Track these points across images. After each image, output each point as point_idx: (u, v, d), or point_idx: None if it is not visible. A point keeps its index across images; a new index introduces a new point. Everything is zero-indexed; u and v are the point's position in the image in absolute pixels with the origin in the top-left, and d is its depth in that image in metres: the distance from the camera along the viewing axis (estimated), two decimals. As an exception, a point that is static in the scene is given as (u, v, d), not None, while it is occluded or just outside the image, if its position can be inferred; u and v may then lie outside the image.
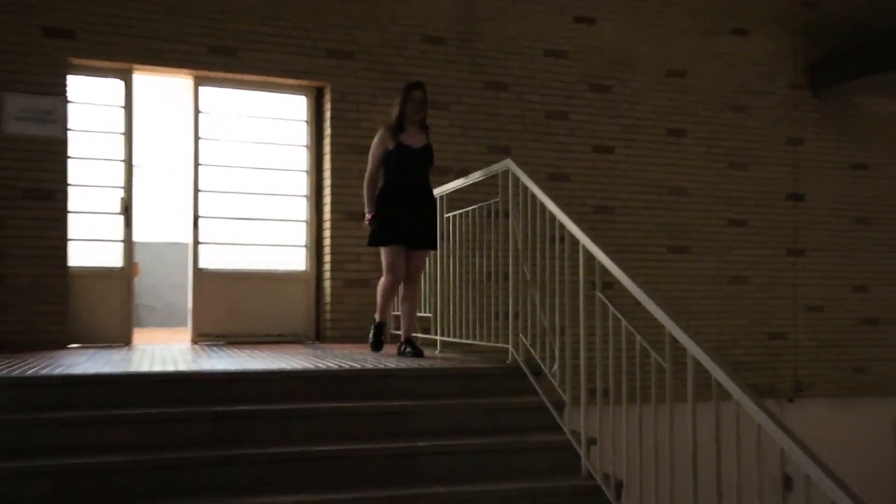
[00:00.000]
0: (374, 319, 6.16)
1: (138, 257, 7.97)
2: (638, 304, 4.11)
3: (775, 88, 9.41)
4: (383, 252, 5.83)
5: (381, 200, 5.81)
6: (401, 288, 6.04)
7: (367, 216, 5.88)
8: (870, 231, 9.72)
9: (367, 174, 5.93)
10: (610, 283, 4.44)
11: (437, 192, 6.31)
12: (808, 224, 9.46)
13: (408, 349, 5.80)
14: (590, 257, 4.51)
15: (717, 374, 3.52)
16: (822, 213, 9.52)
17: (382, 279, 5.91)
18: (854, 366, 9.55)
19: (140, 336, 7.85)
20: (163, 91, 9.01)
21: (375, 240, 5.86)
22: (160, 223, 10.70)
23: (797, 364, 9.29)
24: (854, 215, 9.66)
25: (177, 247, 10.43)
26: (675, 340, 3.83)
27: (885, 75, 8.96)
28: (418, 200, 5.80)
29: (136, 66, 7.31)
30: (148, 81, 7.83)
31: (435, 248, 6.03)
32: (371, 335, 6.11)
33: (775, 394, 8.97)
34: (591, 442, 4.57)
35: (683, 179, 8.96)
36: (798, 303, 9.35)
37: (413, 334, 6.02)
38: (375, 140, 5.87)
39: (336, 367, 5.15)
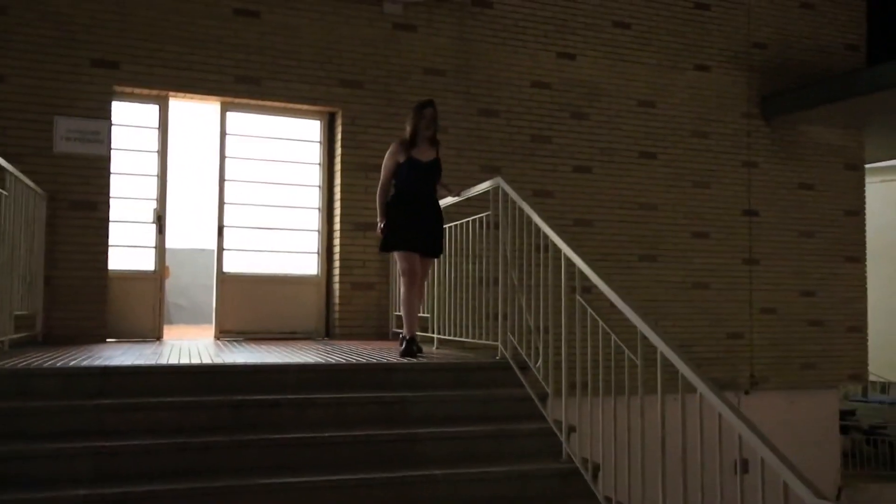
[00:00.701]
0: (402, 337, 5.53)
1: (169, 262, 7.91)
2: (613, 306, 4.08)
3: (732, 118, 9.41)
4: (398, 257, 5.61)
5: (390, 209, 5.60)
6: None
7: (380, 224, 5.67)
8: (815, 243, 9.71)
9: (379, 184, 5.71)
10: (588, 288, 4.40)
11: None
12: (762, 236, 9.44)
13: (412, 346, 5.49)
14: (570, 264, 4.48)
15: (683, 369, 3.49)
16: (773, 227, 9.51)
17: (402, 290, 5.58)
18: (802, 362, 9.52)
19: (170, 332, 7.81)
20: (194, 115, 8.97)
21: (386, 245, 5.64)
22: (190, 231, 10.64)
23: (752, 360, 9.26)
24: (801, 229, 9.64)
25: (204, 253, 10.40)
26: (645, 339, 3.79)
27: (826, 108, 8.99)
28: (425, 210, 5.59)
29: (171, 92, 7.29)
30: (181, 106, 7.78)
31: (439, 255, 5.79)
32: (401, 349, 5.43)
33: (734, 387, 8.94)
34: (571, 429, 4.52)
35: (653, 196, 8.93)
36: (753, 306, 9.32)
37: (414, 330, 5.65)
38: (388, 153, 5.68)
39: (344, 361, 5.10)
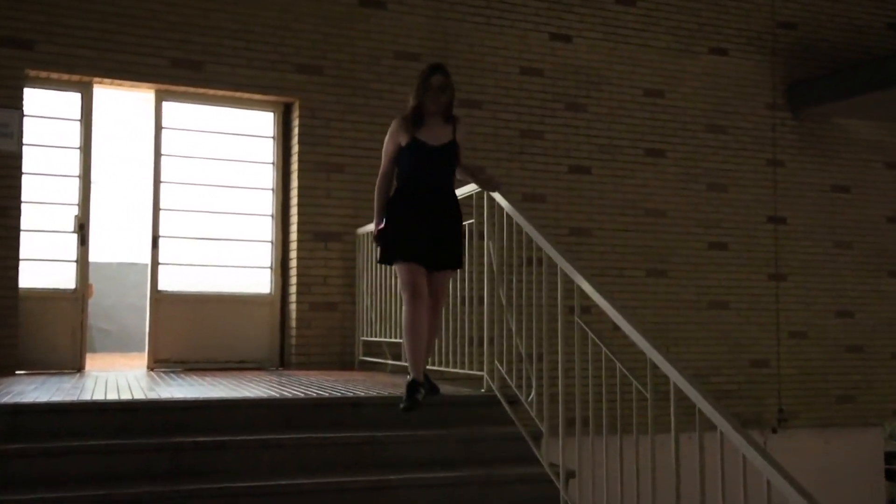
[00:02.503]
0: (408, 376, 4.98)
1: (93, 278, 7.85)
2: (615, 329, 4.09)
3: (754, 109, 9.52)
4: (398, 270, 5.02)
5: (391, 208, 5.02)
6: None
7: (376, 227, 5.13)
8: (852, 255, 9.82)
9: (379, 175, 5.13)
10: (587, 308, 4.42)
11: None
12: (789, 247, 9.54)
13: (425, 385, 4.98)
14: (568, 281, 4.49)
15: (701, 403, 3.51)
16: (803, 236, 9.62)
17: (404, 313, 4.96)
18: (839, 395, 9.61)
19: (93, 362, 7.74)
20: (123, 105, 8.93)
21: (385, 256, 5.05)
22: (117, 243, 10.58)
23: (780, 393, 9.32)
24: (835, 239, 9.75)
25: (134, 267, 10.35)
26: (656, 368, 3.81)
27: (864, 98, 9.09)
28: (436, 209, 4.97)
29: (95, 79, 7.27)
30: (108, 95, 7.76)
31: (459, 267, 5.19)
32: (404, 396, 4.81)
33: (759, 424, 9.00)
34: (570, 475, 4.51)
35: (662, 201, 9.00)
36: (781, 329, 9.40)
37: (422, 370, 5.01)
38: (388, 133, 5.10)
39: (302, 394, 5.08)
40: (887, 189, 10.06)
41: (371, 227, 7.04)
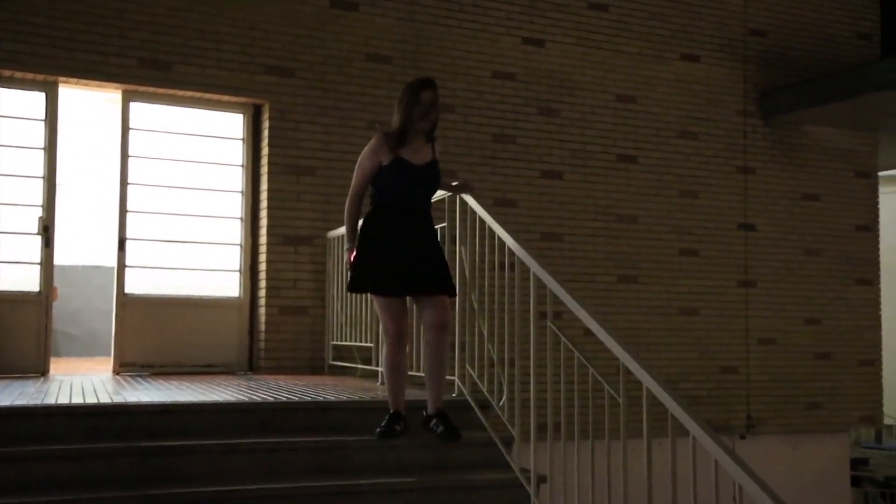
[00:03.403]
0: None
1: (57, 281, 7.78)
2: (587, 335, 4.13)
3: (726, 116, 9.62)
4: (379, 306, 4.72)
5: (366, 231, 4.72)
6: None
7: (347, 253, 4.88)
8: (821, 262, 9.94)
9: (349, 195, 4.84)
10: (558, 314, 4.45)
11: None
12: (759, 254, 9.65)
13: (439, 426, 4.71)
14: (541, 286, 4.52)
15: (674, 408, 3.55)
16: (773, 243, 9.72)
17: (384, 349, 4.81)
18: (807, 401, 9.73)
19: (57, 366, 7.67)
20: (90, 105, 8.86)
21: (356, 285, 4.80)
22: (82, 245, 10.48)
23: (749, 399, 9.42)
24: (805, 246, 9.87)
25: (100, 270, 10.25)
26: (628, 373, 3.85)
27: (835, 106, 9.22)
28: (416, 232, 4.71)
29: (60, 78, 7.19)
30: (73, 95, 7.70)
31: (453, 292, 4.87)
32: (382, 424, 4.68)
33: (728, 430, 9.08)
34: (541, 480, 4.54)
35: (633, 207, 9.08)
36: (750, 335, 9.50)
37: (401, 401, 4.80)
38: (366, 150, 4.76)
39: (272, 399, 5.07)
40: (857, 197, 10.20)
41: (342, 230, 7.08)
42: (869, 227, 10.25)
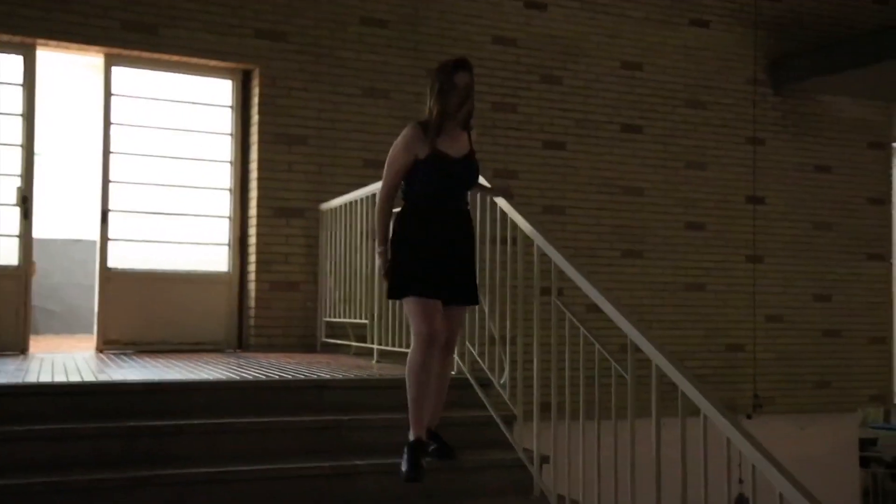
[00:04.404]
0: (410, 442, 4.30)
1: (37, 256, 7.73)
2: (590, 311, 4.11)
3: (735, 85, 9.57)
4: (411, 306, 4.33)
5: (403, 232, 4.41)
6: None
7: (379, 257, 4.52)
8: (832, 237, 9.94)
9: (381, 193, 4.50)
10: (560, 289, 4.44)
11: (372, 189, 6.18)
12: (768, 229, 9.63)
13: (431, 444, 4.42)
14: (545, 260, 4.49)
15: (686, 386, 3.53)
16: (782, 217, 9.71)
17: (410, 353, 4.33)
18: (815, 380, 9.76)
19: (37, 344, 7.64)
20: (70, 70, 8.78)
21: (395, 290, 4.42)
22: (64, 217, 10.42)
23: (756, 378, 9.44)
24: (815, 220, 9.87)
25: (82, 244, 10.20)
26: (637, 350, 3.83)
27: (849, 74, 9.17)
28: (456, 233, 4.45)
29: (39, 40, 7.12)
30: (53, 58, 7.62)
31: (476, 302, 4.69)
32: (404, 461, 4.20)
33: (734, 409, 9.10)
34: (544, 460, 4.55)
35: (639, 179, 9.05)
36: (757, 312, 9.50)
37: (425, 426, 4.37)
38: (398, 143, 4.42)
39: (264, 377, 5.06)
40: (870, 170, 10.19)
41: (336, 201, 7.05)
42: (882, 200, 10.24)
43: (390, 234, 4.47)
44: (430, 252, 4.35)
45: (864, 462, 11.72)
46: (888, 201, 10.29)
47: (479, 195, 5.00)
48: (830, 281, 9.91)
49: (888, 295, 10.22)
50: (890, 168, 10.35)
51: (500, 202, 4.89)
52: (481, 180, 4.82)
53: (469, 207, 4.66)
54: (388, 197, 4.48)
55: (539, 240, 4.55)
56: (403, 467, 4.17)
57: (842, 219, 10.00)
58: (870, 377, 10.07)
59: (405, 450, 4.23)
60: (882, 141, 10.28)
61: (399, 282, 4.37)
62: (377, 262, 4.57)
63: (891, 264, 10.25)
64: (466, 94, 4.38)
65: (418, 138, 4.36)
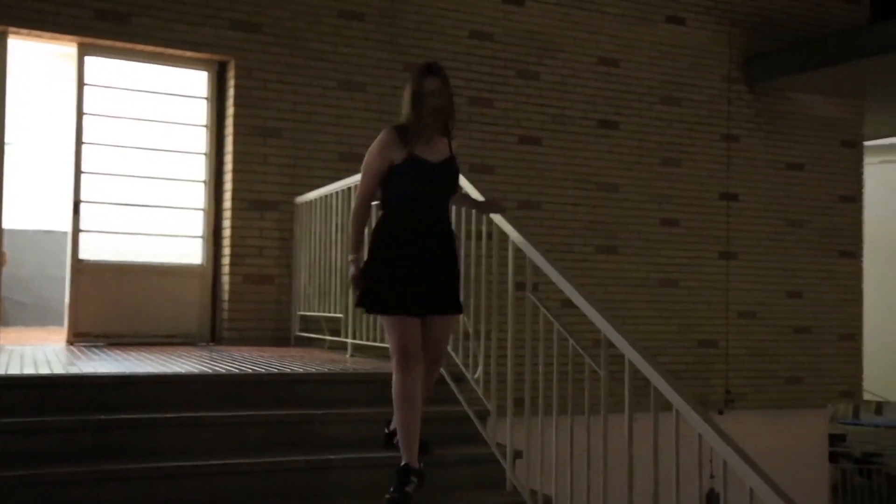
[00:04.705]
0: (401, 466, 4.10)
1: (7, 247, 7.66)
2: (564, 306, 4.12)
3: (710, 82, 9.63)
4: (386, 324, 4.23)
5: (379, 241, 4.24)
6: None
7: (351, 265, 4.33)
8: (804, 234, 10.03)
9: (356, 199, 4.37)
10: (535, 284, 4.45)
11: (347, 182, 6.19)
12: (741, 225, 9.71)
13: (420, 473, 4.10)
14: (520, 255, 4.50)
15: (658, 382, 3.56)
16: (755, 214, 9.79)
17: (393, 377, 4.16)
18: (786, 376, 9.84)
19: (7, 336, 7.57)
20: (42, 58, 8.71)
21: (368, 302, 4.25)
22: (35, 208, 10.32)
23: (728, 373, 9.52)
24: (788, 217, 9.95)
25: (53, 235, 10.11)
26: (610, 345, 3.85)
27: (822, 72, 9.26)
28: (435, 242, 4.24)
29: (11, 28, 7.05)
30: (24, 47, 7.55)
31: (460, 311, 4.48)
32: (393, 488, 4.02)
33: (706, 405, 9.16)
34: (517, 455, 4.57)
35: (614, 175, 9.08)
36: (730, 308, 9.58)
37: (416, 451, 4.14)
38: (373, 148, 4.25)
39: (236, 370, 5.03)
40: (842, 168, 10.28)
41: (311, 195, 7.03)
42: (853, 198, 10.35)
43: (366, 244, 4.33)
44: (407, 265, 4.17)
45: (833, 457, 11.87)
46: (859, 199, 10.40)
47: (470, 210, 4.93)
48: (802, 278, 10.00)
49: (858, 292, 10.33)
50: (861, 166, 10.45)
51: (496, 218, 4.68)
52: (474, 193, 4.74)
53: (448, 215, 4.47)
54: (363, 203, 4.33)
55: (514, 235, 4.56)
56: (390, 493, 4.02)
57: (814, 216, 10.09)
58: (840, 373, 10.18)
59: (397, 474, 4.05)
60: (853, 139, 10.38)
61: (373, 297, 4.21)
62: (350, 271, 4.36)
63: (861, 262, 10.36)
64: (439, 99, 4.17)
65: (394, 142, 4.19)
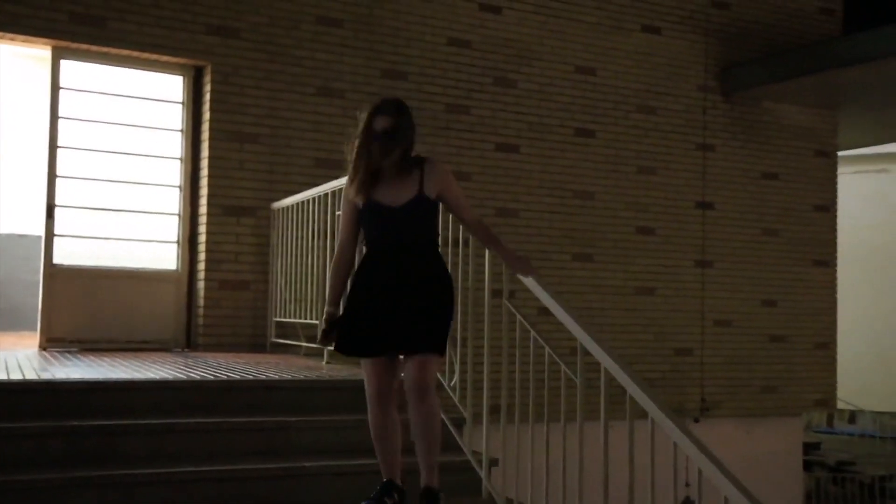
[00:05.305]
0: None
1: (-20, 250, 7.60)
2: (541, 314, 4.13)
3: (686, 91, 9.69)
4: (360, 364, 4.14)
5: (352, 284, 4.11)
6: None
7: (327, 306, 4.15)
8: (779, 243, 10.10)
9: (337, 246, 4.28)
10: (512, 292, 4.45)
11: (324, 188, 6.17)
12: (717, 234, 9.77)
13: (401, 491, 4.11)
14: (496, 262, 4.51)
15: (633, 390, 3.57)
16: (730, 222, 9.85)
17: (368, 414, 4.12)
18: (761, 385, 9.90)
19: (-20, 340, 7.50)
20: (16, 62, 8.64)
21: (339, 344, 4.08)
22: (8, 212, 10.25)
23: (703, 382, 9.57)
24: (763, 226, 10.02)
25: (26, 239, 10.04)
26: (586, 353, 3.86)
27: (796, 82, 9.35)
28: (402, 281, 3.96)
29: (-15, 32, 6.99)
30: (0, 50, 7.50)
31: (438, 350, 3.97)
32: (373, 496, 4.02)
33: (681, 413, 9.20)
34: (493, 463, 4.57)
35: (590, 183, 9.11)
36: (705, 317, 9.63)
37: (395, 470, 4.11)
38: (343, 193, 4.20)
39: (211, 377, 5.01)
40: (816, 177, 10.37)
41: (288, 200, 7.01)
42: (827, 207, 10.43)
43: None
44: (374, 305, 3.97)
45: (808, 466, 11.95)
46: (833, 209, 10.49)
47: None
48: (777, 286, 10.07)
49: (832, 301, 10.41)
50: (835, 176, 10.54)
51: (528, 282, 4.31)
52: (479, 231, 4.38)
53: (430, 244, 4.11)
54: (339, 250, 4.18)
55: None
56: (370, 497, 4.00)
57: (788, 225, 10.17)
58: (814, 382, 10.25)
59: (379, 485, 4.05)
60: (827, 149, 10.48)
61: (342, 339, 4.04)
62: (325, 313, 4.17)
63: (835, 271, 10.45)
64: (387, 141, 3.94)
65: (352, 188, 4.03)
